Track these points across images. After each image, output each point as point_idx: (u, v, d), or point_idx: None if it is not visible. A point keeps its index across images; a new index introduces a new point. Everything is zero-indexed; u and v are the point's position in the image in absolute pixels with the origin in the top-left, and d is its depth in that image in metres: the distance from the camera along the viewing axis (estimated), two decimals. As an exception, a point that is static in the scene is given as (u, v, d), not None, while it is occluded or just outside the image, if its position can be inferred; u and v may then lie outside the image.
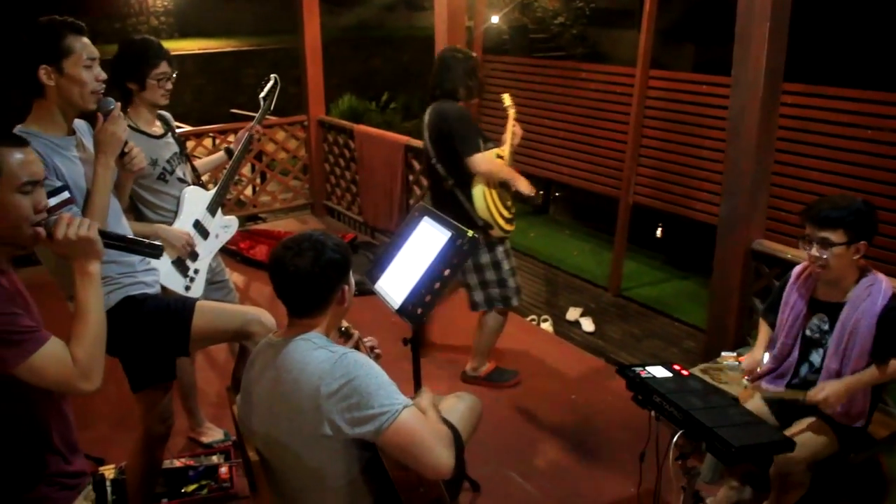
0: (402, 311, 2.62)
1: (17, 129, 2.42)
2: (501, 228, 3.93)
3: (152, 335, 2.67)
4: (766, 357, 3.15)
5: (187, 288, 3.33)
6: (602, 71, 6.17)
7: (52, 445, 1.93)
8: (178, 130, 3.57)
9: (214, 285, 3.61)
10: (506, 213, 3.96)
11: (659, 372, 2.71)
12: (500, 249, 4.05)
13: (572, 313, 5.36)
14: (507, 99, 4.15)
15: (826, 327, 2.88)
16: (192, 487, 3.36)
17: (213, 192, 3.59)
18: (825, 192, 4.32)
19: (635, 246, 6.95)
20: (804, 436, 2.75)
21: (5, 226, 1.80)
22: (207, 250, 3.51)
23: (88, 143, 2.58)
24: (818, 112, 4.49)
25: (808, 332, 2.94)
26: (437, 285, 2.61)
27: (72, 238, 1.84)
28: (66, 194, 2.39)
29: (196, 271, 3.40)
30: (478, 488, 3.38)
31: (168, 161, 3.32)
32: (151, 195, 3.29)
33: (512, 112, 4.09)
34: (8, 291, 1.78)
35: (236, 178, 6.98)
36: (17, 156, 1.80)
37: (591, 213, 8.47)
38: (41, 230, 1.84)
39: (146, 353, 2.73)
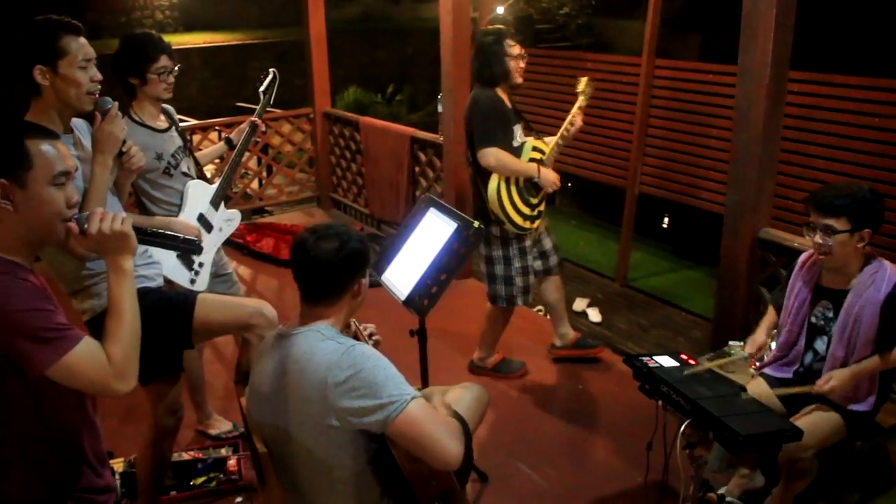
0: (409, 302, 2.63)
1: None
2: (515, 225, 3.87)
3: (154, 328, 2.67)
4: (773, 345, 3.15)
5: (192, 281, 3.34)
6: (608, 61, 6.14)
7: (84, 457, 1.88)
8: (183, 124, 3.58)
9: (219, 278, 3.62)
10: (525, 210, 3.90)
11: (666, 361, 2.72)
12: (514, 246, 3.99)
13: (579, 304, 5.35)
14: (581, 83, 4.03)
15: (830, 315, 2.87)
16: (200, 480, 3.38)
17: (216, 185, 3.59)
18: (832, 180, 4.29)
19: (642, 236, 6.94)
20: (812, 423, 2.75)
21: (39, 222, 1.76)
22: (211, 244, 3.52)
23: (86, 142, 2.58)
24: (825, 100, 4.46)
25: (812, 320, 2.94)
26: (444, 276, 2.62)
27: (106, 233, 1.80)
28: None
29: (201, 265, 3.41)
30: (486, 479, 3.39)
31: (173, 155, 3.32)
32: (156, 189, 3.29)
33: (581, 100, 4.00)
34: (38, 287, 1.73)
35: (242, 171, 7.01)
36: (49, 147, 1.77)
37: (597, 203, 8.45)
38: (73, 226, 1.80)
39: (151, 347, 2.73)
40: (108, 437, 3.46)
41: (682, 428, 2.43)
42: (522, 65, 3.85)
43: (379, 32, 19.62)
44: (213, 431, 3.75)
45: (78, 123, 2.60)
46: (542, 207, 4.01)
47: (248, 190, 7.24)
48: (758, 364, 3.25)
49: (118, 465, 3.35)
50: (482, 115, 3.79)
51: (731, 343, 3.62)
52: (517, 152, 3.87)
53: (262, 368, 2.15)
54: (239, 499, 3.34)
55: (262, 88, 3.92)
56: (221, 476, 3.40)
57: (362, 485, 2.10)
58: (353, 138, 6.99)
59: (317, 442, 2.01)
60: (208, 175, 3.80)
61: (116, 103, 2.55)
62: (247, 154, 3.82)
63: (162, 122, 3.34)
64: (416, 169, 6.29)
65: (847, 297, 2.79)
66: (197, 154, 3.72)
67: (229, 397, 4.02)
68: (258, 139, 4.01)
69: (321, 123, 7.23)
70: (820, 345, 2.93)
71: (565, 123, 3.92)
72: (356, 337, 2.37)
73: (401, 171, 6.34)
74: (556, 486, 3.40)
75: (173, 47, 3.35)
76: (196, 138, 6.51)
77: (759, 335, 3.14)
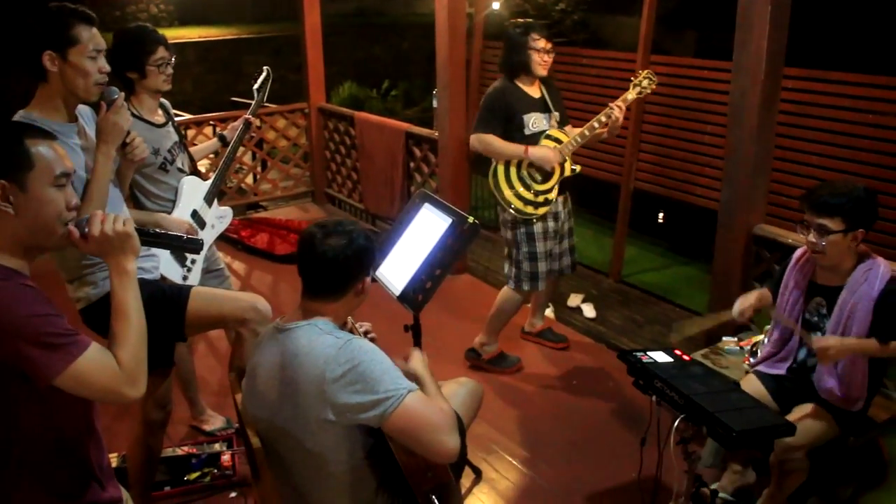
0: (403, 297, 2.63)
1: (19, 114, 2.41)
2: (515, 209, 3.97)
3: (148, 320, 2.66)
4: (766, 341, 3.15)
5: (184, 277, 3.33)
6: (603, 57, 6.13)
7: (91, 470, 1.83)
8: (177, 119, 3.57)
9: (210, 273, 3.61)
10: (525, 194, 3.97)
11: (660, 357, 2.72)
12: (521, 231, 4.07)
13: (573, 299, 5.35)
14: (640, 75, 4.03)
15: (824, 311, 2.88)
16: (194, 475, 3.37)
17: (210, 182, 3.59)
18: (826, 177, 4.30)
19: (636, 232, 6.93)
20: (804, 422, 2.75)
21: (39, 225, 1.71)
22: (204, 240, 3.51)
23: (90, 131, 2.58)
24: (819, 97, 4.46)
25: (806, 316, 2.94)
26: (438, 272, 2.61)
27: (108, 234, 1.76)
28: None
29: (193, 261, 3.40)
30: (479, 474, 3.39)
31: (169, 151, 3.31)
32: (151, 184, 3.28)
33: (631, 92, 4.00)
34: (40, 292, 1.68)
35: (237, 166, 6.99)
36: (49, 148, 1.73)
37: (592, 199, 8.45)
38: (74, 230, 1.76)
39: None
40: (101, 433, 3.49)
41: (675, 423, 2.43)
42: (547, 58, 3.94)
43: (374, 27, 19.61)
44: (207, 427, 3.75)
45: (83, 112, 2.60)
46: (550, 196, 4.02)
47: (242, 185, 7.22)
48: (751, 360, 3.26)
49: (112, 460, 3.34)
50: (483, 103, 4.02)
51: (724, 339, 3.64)
52: (530, 140, 3.95)
53: (259, 362, 2.15)
54: (233, 494, 3.33)
55: (256, 86, 3.92)
56: (215, 471, 3.40)
57: (358, 479, 2.10)
58: (348, 133, 6.98)
59: (313, 436, 2.01)
60: (202, 171, 3.79)
61: (123, 94, 2.56)
62: (241, 149, 3.82)
63: (159, 117, 3.33)
64: (411, 164, 6.28)
65: (841, 293, 2.79)
66: (190, 150, 3.71)
67: (223, 393, 4.01)
68: (252, 135, 4.01)
69: (316, 118, 7.22)
70: (814, 341, 2.94)
71: (600, 115, 3.94)
72: (351, 332, 2.37)
73: (396, 166, 6.34)
74: (550, 481, 3.41)
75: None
76: (190, 133, 6.49)
77: (750, 295, 3.09)
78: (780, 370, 3.02)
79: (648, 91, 4.03)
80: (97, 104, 2.51)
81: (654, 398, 2.58)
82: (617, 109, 3.91)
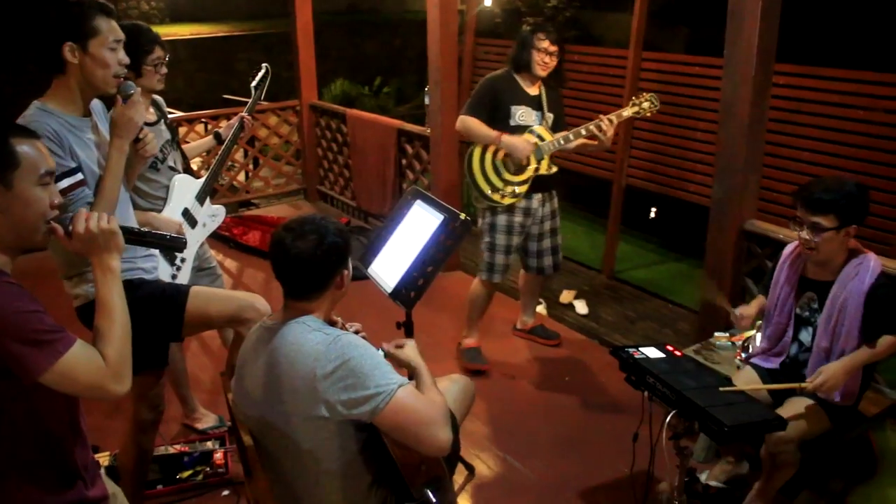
0: (396, 294, 2.63)
1: (35, 104, 2.40)
2: (480, 191, 4.04)
3: (146, 320, 2.65)
4: (759, 337, 3.16)
5: (174, 276, 3.32)
6: (595, 53, 6.14)
7: (76, 469, 1.83)
8: (169, 116, 3.56)
9: (202, 272, 3.61)
10: (494, 180, 4.03)
11: (652, 353, 2.73)
12: (487, 220, 4.16)
13: (566, 296, 5.36)
14: (643, 98, 4.03)
15: (816, 306, 2.89)
16: (187, 473, 3.37)
17: (202, 180, 3.58)
18: (817, 173, 4.32)
19: (629, 228, 6.95)
20: (796, 415, 2.76)
21: (24, 223, 1.71)
22: (195, 239, 3.51)
23: (102, 126, 2.57)
24: (810, 92, 4.48)
25: (798, 311, 2.95)
26: (430, 269, 2.62)
27: (93, 231, 1.77)
28: (79, 175, 2.39)
29: (183, 260, 3.39)
30: (472, 471, 3.40)
31: (161, 150, 3.30)
32: (142, 183, 3.28)
33: (628, 110, 4.02)
34: (25, 290, 1.67)
35: (229, 163, 6.98)
36: (33, 146, 1.73)
37: (584, 195, 8.46)
38: (58, 227, 1.77)
39: (140, 339, 2.71)
40: (92, 432, 3.46)
41: (667, 419, 2.44)
42: (548, 60, 3.96)
43: (366, 24, 19.56)
44: (199, 426, 3.74)
45: (95, 107, 2.60)
46: (520, 189, 4.04)
47: (234, 182, 7.21)
48: (744, 356, 3.27)
49: (103, 459, 3.34)
50: (476, 89, 4.15)
51: (716, 334, 3.65)
52: (514, 132, 3.99)
53: (249, 360, 2.15)
54: (226, 492, 3.33)
55: (253, 83, 3.91)
56: (208, 469, 3.40)
57: (351, 475, 2.10)
58: (339, 131, 6.97)
59: (305, 433, 2.01)
60: (194, 168, 3.78)
61: (139, 89, 2.55)
62: (234, 147, 3.83)
63: (151, 115, 3.32)
64: (403, 161, 6.28)
65: (832, 288, 2.81)
66: (184, 147, 3.70)
67: (216, 391, 4.01)
68: (242, 135, 4.00)
69: (308, 116, 7.21)
70: (805, 336, 2.95)
71: (589, 124, 3.95)
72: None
73: (388, 163, 6.33)
74: (542, 477, 3.41)
75: (159, 39, 3.33)
76: (182, 130, 6.47)
77: (752, 307, 3.13)
78: (775, 364, 3.03)
79: (647, 114, 4.06)
80: (108, 99, 2.51)
81: (646, 394, 2.59)
82: (606, 122, 3.91)
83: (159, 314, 2.69)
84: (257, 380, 2.09)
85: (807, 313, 2.93)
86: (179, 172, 3.46)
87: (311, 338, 2.00)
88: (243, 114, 3.80)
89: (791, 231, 2.88)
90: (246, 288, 5.39)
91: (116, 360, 1.73)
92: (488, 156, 4.03)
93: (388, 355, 2.24)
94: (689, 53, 5.88)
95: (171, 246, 2.08)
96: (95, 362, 1.69)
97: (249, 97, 3.90)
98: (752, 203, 3.92)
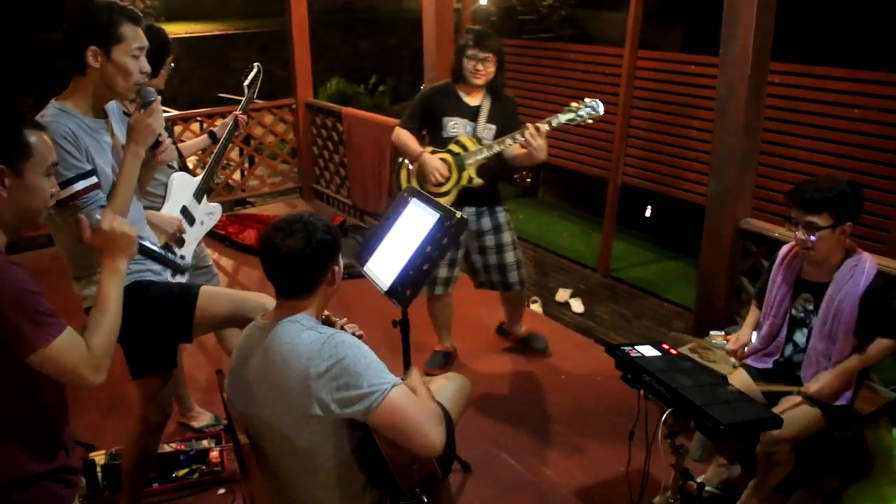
0: (391, 293, 2.62)
1: (53, 104, 2.40)
2: None
3: (156, 320, 2.65)
4: (754, 336, 3.17)
5: (173, 274, 3.32)
6: (591, 52, 6.15)
7: (61, 438, 1.91)
8: (165, 115, 3.56)
9: (199, 270, 3.60)
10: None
11: (648, 351, 2.73)
12: None
13: (562, 294, 5.37)
14: (583, 104, 3.67)
15: (811, 307, 2.89)
16: (182, 472, 3.36)
17: (199, 178, 3.58)
18: (812, 171, 4.33)
19: (624, 227, 6.96)
20: (791, 414, 2.77)
21: (27, 210, 1.82)
22: (193, 236, 3.51)
23: (117, 126, 2.58)
24: (806, 91, 4.49)
25: (793, 312, 2.96)
26: (426, 267, 2.61)
27: (117, 231, 1.93)
28: (94, 178, 2.39)
29: (182, 257, 3.39)
30: (468, 469, 3.40)
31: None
32: (140, 180, 3.27)
33: (555, 118, 3.66)
34: (27, 272, 1.76)
35: (224, 162, 6.97)
36: (41, 139, 1.82)
37: (580, 194, 8.46)
38: (85, 219, 1.92)
39: (149, 339, 2.70)
40: (89, 430, 3.48)
41: (663, 417, 2.44)
42: (480, 68, 3.76)
43: (362, 23, 19.55)
44: (195, 424, 3.74)
45: (111, 106, 2.59)
46: (446, 199, 3.84)
47: (230, 181, 7.20)
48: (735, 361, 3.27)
49: (100, 457, 3.33)
50: (413, 100, 4.07)
51: (712, 333, 3.66)
52: (446, 143, 3.88)
53: (243, 359, 2.14)
54: (221, 490, 3.33)
55: (246, 82, 3.92)
56: (204, 468, 3.39)
57: (345, 475, 2.10)
58: (335, 129, 6.96)
59: (300, 432, 2.01)
60: (189, 166, 3.78)
61: (160, 97, 2.55)
62: (229, 145, 3.84)
63: None
64: (399, 160, 6.26)
65: (827, 290, 2.81)
66: (180, 146, 3.70)
67: (211, 389, 4.00)
68: (237, 133, 4.01)
69: (304, 114, 7.20)
70: (800, 337, 2.96)
71: (515, 133, 3.70)
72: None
73: (383, 162, 6.33)
74: (538, 475, 3.42)
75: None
76: (177, 129, 6.46)
77: (744, 334, 3.15)
78: (767, 364, 3.04)
79: (587, 121, 3.71)
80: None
81: (641, 392, 2.59)
82: (532, 130, 3.59)
83: (169, 314, 2.68)
84: (252, 379, 2.09)
85: (802, 314, 2.93)
86: (176, 170, 3.45)
87: (305, 337, 1.99)
88: (237, 112, 3.81)
89: (786, 230, 2.89)
90: (242, 286, 5.38)
91: (99, 352, 1.82)
92: (413, 169, 3.97)
93: None
94: (684, 52, 5.88)
95: (174, 267, 2.19)
96: (80, 349, 1.78)
97: (244, 96, 3.91)
98: (748, 201, 3.93)
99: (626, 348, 2.73)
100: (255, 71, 3.95)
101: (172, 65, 3.30)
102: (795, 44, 5.72)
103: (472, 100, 3.90)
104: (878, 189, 4.15)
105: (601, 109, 3.67)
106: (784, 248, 3.03)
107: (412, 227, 2.74)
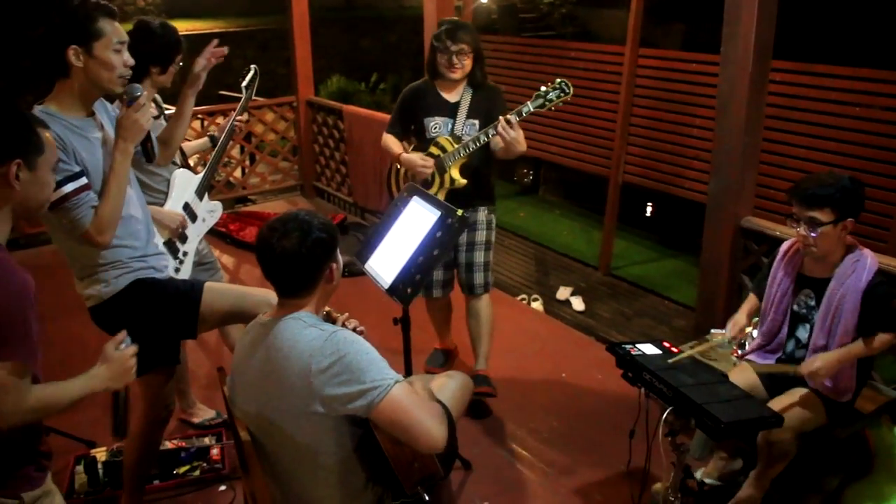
0: (392, 290, 2.63)
1: (37, 109, 2.40)
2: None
3: (161, 317, 2.65)
4: (755, 333, 3.17)
5: (177, 270, 3.33)
6: (591, 50, 6.15)
7: (38, 426, 1.95)
8: (166, 112, 3.56)
9: (202, 266, 3.61)
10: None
11: (649, 349, 2.73)
12: None
13: (562, 292, 5.37)
14: (550, 86, 3.49)
15: (812, 303, 2.90)
16: (183, 469, 3.36)
17: (201, 176, 3.59)
18: (813, 170, 4.33)
19: (625, 225, 6.97)
20: (794, 405, 2.77)
21: (33, 203, 1.91)
22: (195, 233, 3.52)
23: (106, 122, 2.58)
24: (807, 89, 4.49)
25: (795, 308, 2.96)
26: (427, 265, 2.62)
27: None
28: (83, 180, 2.38)
29: (185, 253, 3.40)
30: (469, 467, 3.40)
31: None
32: (144, 176, 3.27)
33: (525, 106, 3.46)
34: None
35: (225, 159, 6.97)
36: (48, 136, 1.93)
37: (580, 192, 8.46)
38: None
39: (154, 336, 2.69)
40: (91, 427, 3.48)
41: (664, 415, 2.44)
42: (454, 60, 3.61)
43: (362, 20, 19.53)
44: (196, 420, 3.74)
45: (100, 107, 2.59)
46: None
47: (231, 178, 7.20)
48: (740, 353, 3.27)
49: (101, 454, 3.34)
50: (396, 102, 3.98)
51: (713, 331, 3.66)
52: (429, 144, 3.74)
53: (245, 357, 2.15)
54: (222, 487, 3.33)
55: (244, 84, 3.93)
56: (205, 465, 3.39)
57: (347, 472, 2.10)
58: (336, 127, 6.96)
59: (301, 429, 2.01)
60: (191, 164, 3.79)
61: (146, 93, 2.55)
62: (230, 143, 3.85)
63: (153, 111, 3.32)
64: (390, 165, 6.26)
65: (829, 285, 2.81)
66: (183, 146, 3.71)
67: (212, 386, 4.00)
68: (240, 128, 4.02)
69: (304, 112, 7.20)
70: (802, 333, 2.96)
71: (488, 128, 3.53)
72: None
73: (384, 159, 6.30)
74: (539, 473, 3.42)
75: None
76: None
77: (740, 317, 3.14)
78: (770, 360, 3.04)
79: (558, 104, 3.52)
80: (113, 99, 2.53)
81: (642, 390, 2.59)
82: (503, 123, 3.40)
83: (174, 311, 2.68)
84: (253, 376, 2.09)
85: (804, 310, 2.94)
86: (178, 166, 3.46)
87: (307, 334, 2.00)
88: (235, 115, 3.83)
89: (788, 228, 2.89)
90: (243, 284, 5.38)
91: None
92: (401, 173, 3.93)
93: None
94: (685, 50, 5.88)
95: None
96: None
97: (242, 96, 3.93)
98: (749, 200, 3.93)
99: (627, 346, 2.73)
100: (252, 73, 3.97)
101: (181, 63, 3.31)
102: (797, 42, 5.72)
103: (452, 96, 3.75)
104: (880, 188, 4.15)
105: (570, 90, 3.50)
106: (785, 245, 3.04)
107: (413, 225, 2.74)
